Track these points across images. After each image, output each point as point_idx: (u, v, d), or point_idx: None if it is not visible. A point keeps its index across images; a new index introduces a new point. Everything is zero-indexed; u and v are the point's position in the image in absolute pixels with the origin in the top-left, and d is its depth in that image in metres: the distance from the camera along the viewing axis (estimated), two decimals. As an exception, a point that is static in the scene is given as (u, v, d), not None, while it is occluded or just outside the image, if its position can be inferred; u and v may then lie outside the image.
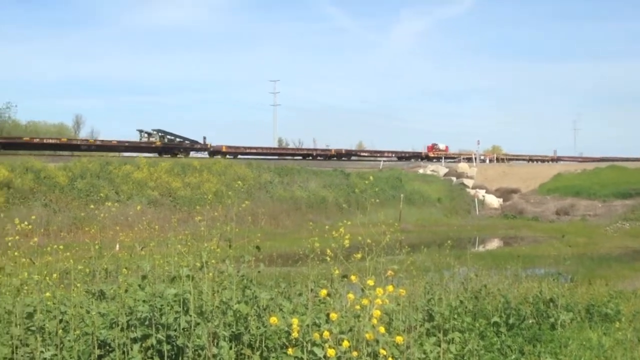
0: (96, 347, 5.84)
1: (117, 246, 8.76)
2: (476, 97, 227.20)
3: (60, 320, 6.08)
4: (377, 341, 4.62)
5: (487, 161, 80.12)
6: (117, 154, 55.46)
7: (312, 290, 6.74)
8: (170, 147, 58.61)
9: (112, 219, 26.24)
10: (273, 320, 4.66)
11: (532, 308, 10.24)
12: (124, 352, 5.72)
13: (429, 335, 7.29)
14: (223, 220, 7.36)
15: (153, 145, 57.73)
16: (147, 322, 5.86)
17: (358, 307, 4.32)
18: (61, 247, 8.20)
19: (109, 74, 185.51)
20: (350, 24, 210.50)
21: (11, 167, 39.77)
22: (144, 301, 6.09)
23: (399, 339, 4.45)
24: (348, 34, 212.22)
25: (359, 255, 6.57)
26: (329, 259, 7.37)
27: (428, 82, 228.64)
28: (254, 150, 66.76)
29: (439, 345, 6.63)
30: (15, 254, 7.81)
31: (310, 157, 69.07)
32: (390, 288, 4.51)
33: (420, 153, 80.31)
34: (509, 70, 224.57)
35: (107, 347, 5.90)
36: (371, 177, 45.92)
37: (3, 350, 5.85)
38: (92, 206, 29.50)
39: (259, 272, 6.82)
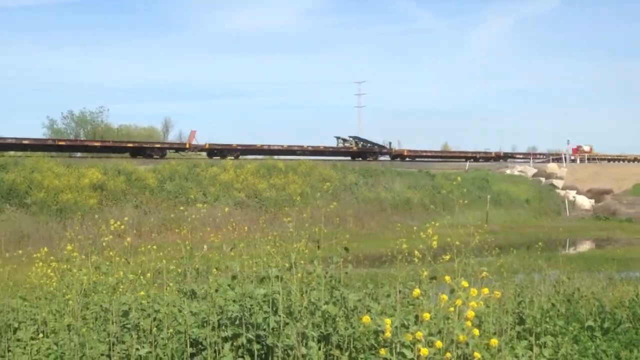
0: (188, 345, 5.96)
1: (205, 247, 8.91)
2: (564, 96, 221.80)
3: (154, 319, 6.23)
4: (467, 344, 4.55)
5: (578, 161, 78.07)
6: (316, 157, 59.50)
7: (400, 291, 6.70)
8: (364, 151, 65.39)
9: (200, 220, 26.75)
10: (366, 319, 4.65)
11: (629, 312, 9.89)
12: (215, 351, 5.82)
13: (520, 338, 7.14)
14: (311, 221, 7.40)
15: (350, 150, 64.86)
16: (237, 322, 5.94)
17: (452, 309, 4.27)
18: (154, 247, 8.41)
19: (197, 77, 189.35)
20: (435, 25, 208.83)
21: (104, 170, 41.05)
22: (234, 301, 6.18)
23: (493, 342, 4.37)
24: (432, 34, 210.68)
25: (448, 257, 6.50)
26: (416, 260, 7.31)
27: (513, 81, 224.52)
28: (430, 153, 72.14)
29: (531, 349, 6.48)
30: (111, 253, 8.07)
31: (473, 160, 72.36)
32: (485, 290, 4.45)
33: (560, 154, 79.53)
34: (598, 68, 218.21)
35: (199, 346, 6.01)
36: (459, 178, 45.50)
37: (100, 347, 6.04)
38: (181, 208, 30.16)
39: (346, 273, 6.82)
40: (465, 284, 4.49)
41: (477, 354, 4.15)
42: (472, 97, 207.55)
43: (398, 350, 4.70)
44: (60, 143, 51.57)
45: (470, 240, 6.72)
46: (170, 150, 55.83)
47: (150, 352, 5.88)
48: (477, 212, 40.10)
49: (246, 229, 9.34)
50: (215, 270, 7.09)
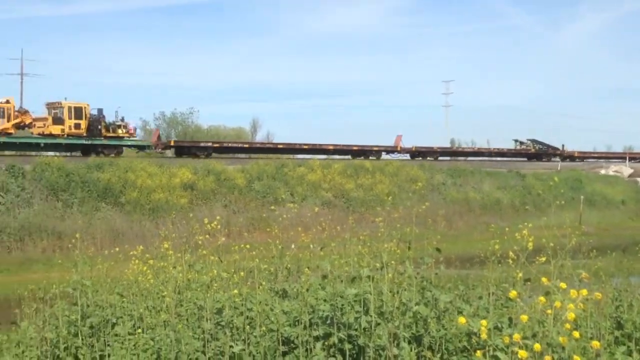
0: (281, 344, 6.03)
1: (293, 246, 8.98)
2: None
3: (247, 317, 6.32)
4: (563, 347, 4.44)
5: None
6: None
7: (492, 293, 6.60)
8: (539, 153, 70.35)
9: (288, 219, 26.99)
10: (461, 320, 4.59)
11: None
12: (307, 350, 5.86)
13: (618, 343, 6.92)
14: (403, 222, 7.36)
15: (527, 152, 69.87)
16: (328, 321, 5.96)
17: (549, 311, 4.17)
18: (247, 246, 8.54)
19: (283, 78, 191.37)
20: (525, 21, 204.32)
21: (194, 170, 41.93)
22: (325, 300, 6.21)
23: (595, 344, 4.25)
24: (523, 31, 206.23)
25: (543, 258, 6.35)
26: (510, 261, 7.18)
27: (606, 79, 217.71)
28: (596, 155, 76.21)
29: (630, 355, 6.27)
30: (203, 252, 8.23)
31: (634, 160, 73.85)
32: (584, 292, 4.33)
33: None
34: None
35: (291, 344, 6.07)
36: (556, 179, 44.52)
37: (195, 344, 6.17)
38: (272, 207, 30.53)
39: (436, 274, 6.77)
40: (563, 285, 4.38)
41: (577, 358, 4.03)
42: (564, 96, 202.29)
43: (492, 353, 4.63)
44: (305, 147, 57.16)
45: (565, 242, 6.55)
46: (384, 153, 59.92)
47: (244, 350, 5.97)
48: (570, 213, 38.95)
49: (338, 228, 9.36)
50: (307, 269, 7.14)
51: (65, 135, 44.71)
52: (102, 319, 7.37)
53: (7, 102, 44.01)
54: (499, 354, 4.52)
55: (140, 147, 50.10)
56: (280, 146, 58.45)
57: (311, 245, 8.73)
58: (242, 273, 7.79)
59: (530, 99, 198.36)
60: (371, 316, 5.76)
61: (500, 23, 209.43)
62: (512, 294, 4.48)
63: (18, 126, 43.97)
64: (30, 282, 14.96)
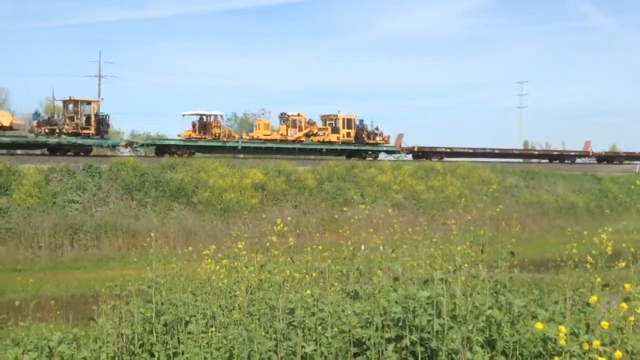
0: (352, 345, 6.02)
1: (363, 247, 8.96)
2: None
3: (318, 318, 6.33)
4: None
5: None
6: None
7: (568, 298, 6.45)
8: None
9: (358, 220, 26.98)
10: (539, 325, 4.51)
11: None
12: (378, 352, 5.83)
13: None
14: (477, 224, 7.27)
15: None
16: (400, 323, 5.92)
17: (632, 318, 4.05)
18: (319, 247, 8.57)
19: (355, 80, 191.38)
20: (606, 22, 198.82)
21: (265, 170, 42.31)
22: (396, 302, 6.17)
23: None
24: (603, 32, 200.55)
25: (623, 264, 6.19)
26: (588, 265, 7.01)
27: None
28: None
29: None
30: (275, 252, 8.29)
31: None
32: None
33: None
34: None
35: (363, 346, 6.05)
36: (638, 182, 43.28)
37: (268, 343, 6.21)
38: (344, 208, 30.57)
39: (510, 277, 6.66)
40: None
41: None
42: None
43: (569, 359, 4.53)
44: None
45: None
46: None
47: (315, 350, 5.98)
48: (647, 218, 37.95)
49: (410, 230, 9.29)
50: (379, 271, 7.12)
51: (340, 142, 53.15)
52: (176, 316, 7.48)
53: (299, 115, 52.99)
54: (575, 360, 4.43)
55: (390, 152, 57.18)
56: (497, 151, 62.86)
57: (381, 247, 8.70)
58: (314, 274, 7.82)
59: (609, 100, 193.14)
60: (444, 319, 5.70)
61: (577, 23, 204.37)
62: (592, 299, 4.39)
63: (307, 135, 52.80)
64: (106, 279, 15.34)
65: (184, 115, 49.43)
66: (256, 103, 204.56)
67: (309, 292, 6.65)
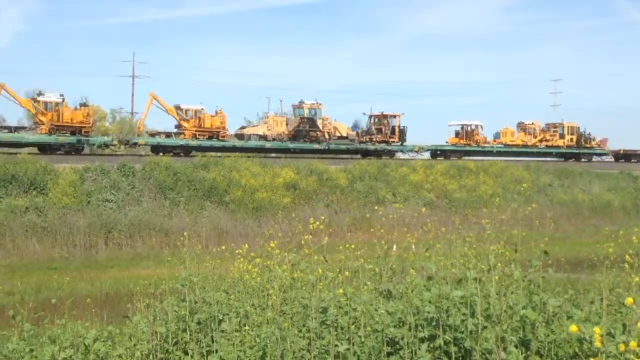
0: (385, 344, 6.00)
1: (395, 246, 8.93)
2: None
3: (351, 317, 6.32)
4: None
5: None
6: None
7: (605, 298, 6.37)
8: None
9: (390, 219, 26.92)
10: (573, 328, 4.46)
11: None
12: (412, 351, 5.81)
13: None
14: (511, 223, 7.21)
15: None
16: (433, 323, 5.90)
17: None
18: (352, 246, 8.55)
19: (392, 78, 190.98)
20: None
21: (297, 170, 42.39)
22: (430, 302, 6.14)
23: None
24: (637, 27, 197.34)
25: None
26: (626, 265, 6.91)
27: None
28: None
29: None
30: (307, 251, 8.29)
31: None
32: None
33: None
34: None
35: (396, 345, 6.03)
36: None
37: (301, 342, 6.21)
38: (376, 207, 30.54)
39: (543, 277, 6.59)
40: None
41: None
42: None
43: (605, 360, 4.47)
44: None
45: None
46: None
47: (349, 349, 5.98)
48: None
49: (443, 229, 9.25)
50: (412, 270, 7.09)
51: (565, 147, 63.69)
52: (209, 315, 7.51)
53: (532, 123, 63.64)
54: (612, 361, 4.37)
55: (599, 155, 66.60)
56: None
57: (413, 246, 8.66)
58: (347, 273, 7.81)
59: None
60: (477, 319, 5.67)
61: (614, 20, 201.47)
62: (629, 300, 4.32)
63: (540, 140, 63.19)
64: (140, 277, 15.48)
65: (449, 125, 60.79)
66: (293, 100, 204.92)
67: (341, 291, 6.64)
